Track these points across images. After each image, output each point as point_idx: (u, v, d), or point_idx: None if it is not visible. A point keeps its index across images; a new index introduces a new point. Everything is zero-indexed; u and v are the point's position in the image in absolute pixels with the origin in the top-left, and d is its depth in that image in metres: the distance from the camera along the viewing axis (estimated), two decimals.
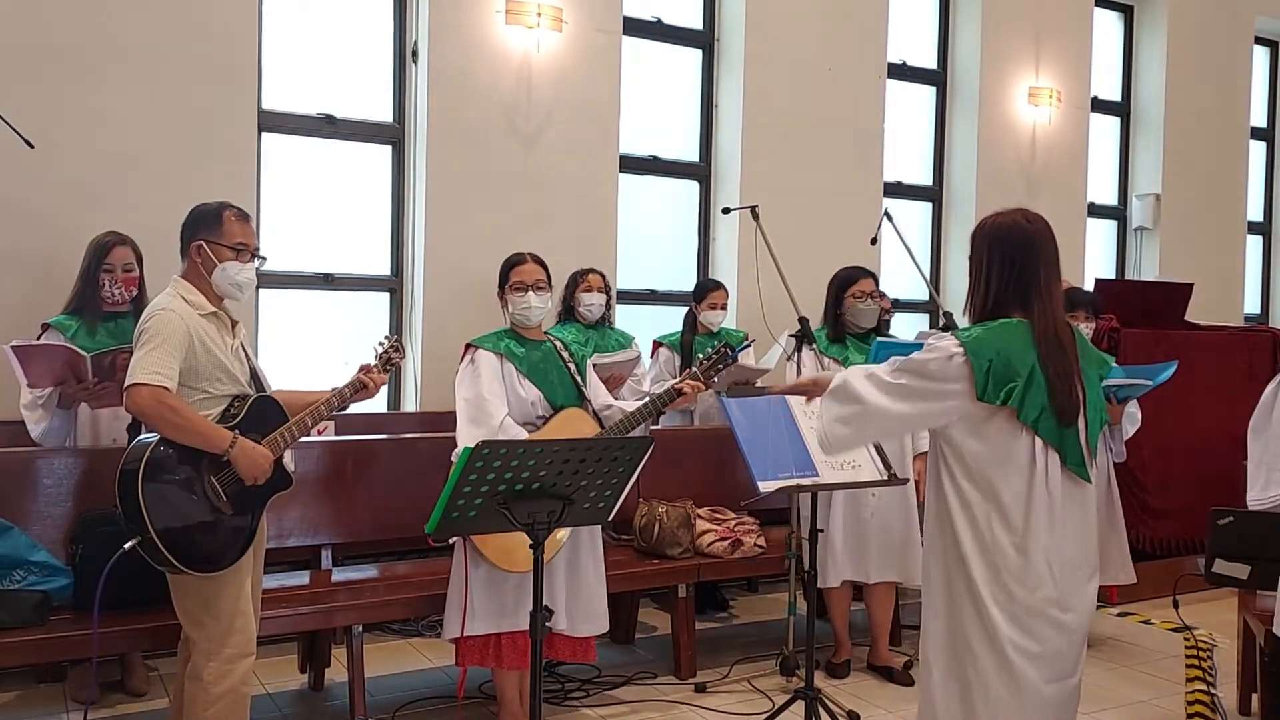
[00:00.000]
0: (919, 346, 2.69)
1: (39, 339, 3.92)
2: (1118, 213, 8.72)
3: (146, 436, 2.96)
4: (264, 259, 3.26)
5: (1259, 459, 3.60)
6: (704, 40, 6.64)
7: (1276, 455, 3.58)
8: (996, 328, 2.53)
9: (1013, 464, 2.49)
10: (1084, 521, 2.59)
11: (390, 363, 3.45)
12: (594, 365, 4.14)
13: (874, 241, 5.19)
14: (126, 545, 2.86)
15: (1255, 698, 4.00)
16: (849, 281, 4.54)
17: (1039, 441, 2.49)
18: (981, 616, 2.50)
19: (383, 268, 5.70)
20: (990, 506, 2.51)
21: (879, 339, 4.37)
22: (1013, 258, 2.56)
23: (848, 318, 4.52)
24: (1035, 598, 2.49)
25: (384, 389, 3.51)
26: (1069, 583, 2.53)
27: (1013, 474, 2.49)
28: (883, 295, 5.90)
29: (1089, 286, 6.74)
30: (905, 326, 7.38)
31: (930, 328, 7.53)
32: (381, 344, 3.48)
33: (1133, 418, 4.64)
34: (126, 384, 2.93)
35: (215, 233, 3.12)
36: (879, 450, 3.64)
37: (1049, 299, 2.56)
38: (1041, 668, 2.50)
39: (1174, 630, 5.15)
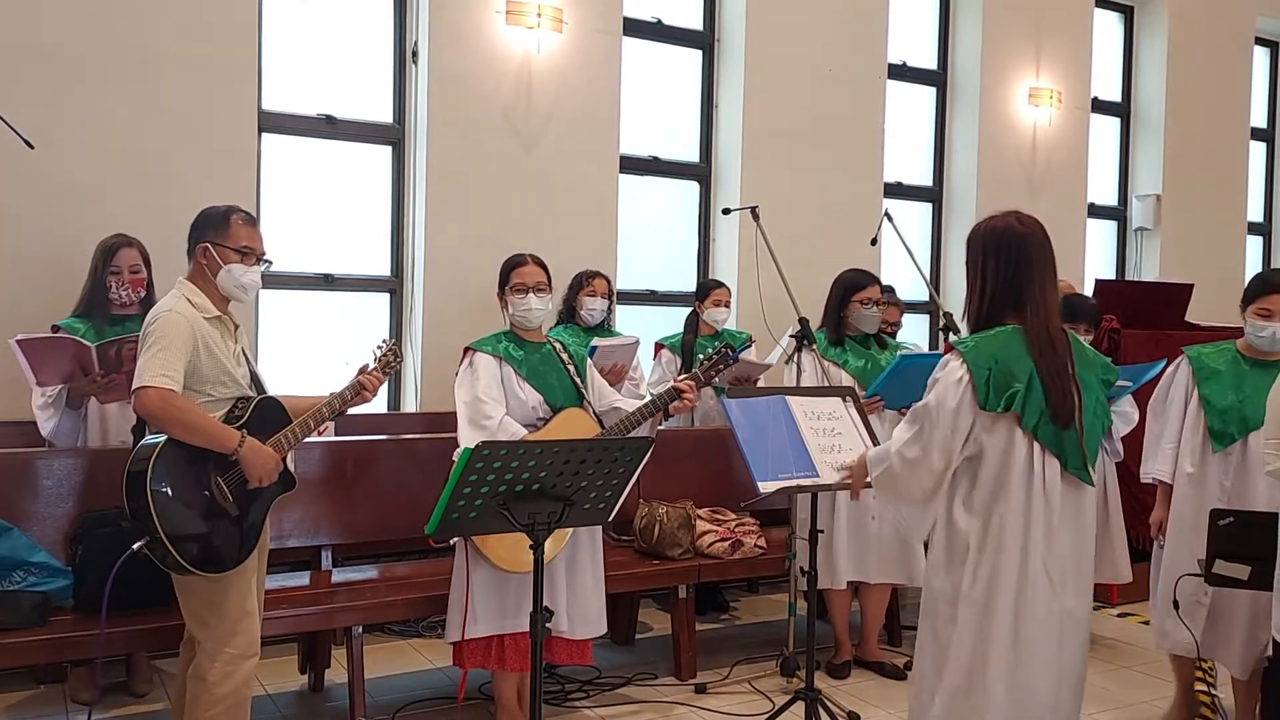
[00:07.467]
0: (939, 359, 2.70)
1: None
2: (1118, 213, 8.71)
3: (153, 437, 2.96)
4: (270, 263, 3.27)
5: (1155, 437, 3.85)
6: (704, 40, 6.64)
7: (1159, 435, 3.82)
8: (992, 336, 2.56)
9: (1013, 470, 2.52)
10: (1080, 526, 2.62)
11: (389, 366, 3.44)
12: (596, 349, 4.13)
13: (874, 242, 5.19)
14: (135, 546, 2.87)
15: None
16: (856, 286, 4.54)
17: (1038, 447, 2.52)
18: (982, 618, 2.53)
19: (383, 268, 5.70)
20: (993, 512, 2.53)
21: (902, 353, 4.39)
22: (1005, 260, 2.58)
23: (850, 321, 4.52)
24: (1031, 600, 2.52)
25: (384, 390, 3.51)
26: (1065, 587, 2.57)
27: (1013, 480, 2.52)
28: (897, 303, 5.88)
29: (1089, 287, 6.72)
30: (905, 327, 7.36)
31: (930, 329, 7.54)
32: (380, 346, 3.48)
33: (1126, 416, 4.63)
34: (134, 386, 2.93)
35: (222, 235, 3.13)
36: None
37: (1042, 300, 2.57)
38: (1040, 667, 2.54)
39: None
